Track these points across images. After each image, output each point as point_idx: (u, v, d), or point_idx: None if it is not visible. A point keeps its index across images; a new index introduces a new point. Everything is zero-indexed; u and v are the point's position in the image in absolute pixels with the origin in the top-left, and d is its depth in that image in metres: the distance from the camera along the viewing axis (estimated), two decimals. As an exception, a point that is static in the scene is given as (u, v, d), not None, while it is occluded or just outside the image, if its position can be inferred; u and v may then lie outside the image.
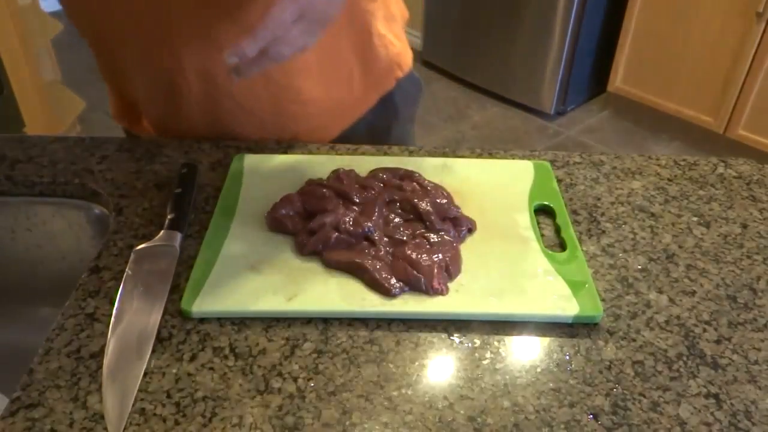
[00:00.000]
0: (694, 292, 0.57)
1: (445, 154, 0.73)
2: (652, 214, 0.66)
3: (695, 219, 0.65)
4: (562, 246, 0.60)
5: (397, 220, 0.60)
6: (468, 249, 0.59)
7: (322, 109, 0.76)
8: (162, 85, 0.73)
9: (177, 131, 0.77)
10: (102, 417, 0.45)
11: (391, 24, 0.80)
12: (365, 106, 0.80)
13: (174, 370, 0.48)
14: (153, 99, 0.75)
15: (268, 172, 0.68)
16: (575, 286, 0.55)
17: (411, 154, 0.73)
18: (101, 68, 0.79)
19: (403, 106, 0.84)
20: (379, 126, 0.84)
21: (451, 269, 0.56)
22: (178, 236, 0.59)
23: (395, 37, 0.80)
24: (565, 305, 0.53)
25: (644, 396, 0.48)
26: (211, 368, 0.49)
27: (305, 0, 0.52)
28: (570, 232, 0.61)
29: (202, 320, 0.52)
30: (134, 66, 0.73)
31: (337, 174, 0.65)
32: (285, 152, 0.73)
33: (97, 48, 0.76)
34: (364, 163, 0.69)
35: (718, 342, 0.53)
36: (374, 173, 0.66)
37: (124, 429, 0.44)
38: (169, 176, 0.68)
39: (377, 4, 0.77)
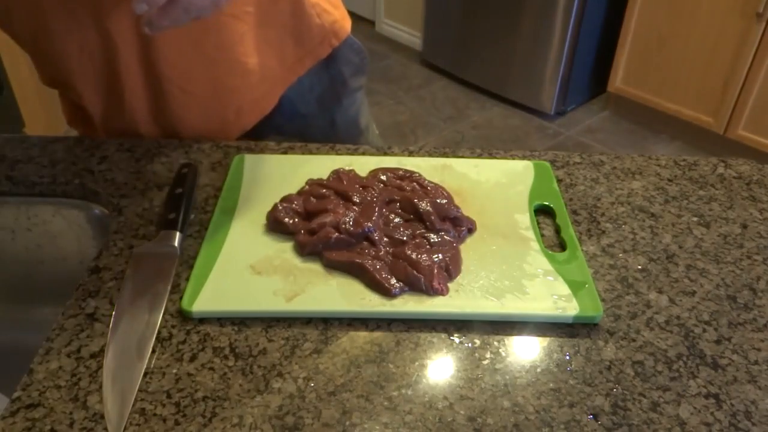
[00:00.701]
0: (694, 293, 0.57)
1: (445, 154, 0.73)
2: (652, 215, 0.66)
3: (695, 219, 0.65)
4: (562, 246, 0.60)
5: (397, 220, 0.60)
6: (468, 249, 0.59)
7: (260, 79, 0.77)
8: (103, 76, 0.72)
9: (122, 126, 0.77)
10: (102, 417, 0.45)
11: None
12: (300, 71, 0.81)
13: (174, 370, 0.48)
14: (96, 91, 0.75)
15: (268, 172, 0.68)
16: (575, 286, 0.55)
17: (411, 154, 0.74)
18: (43, 74, 0.78)
19: (349, 75, 0.85)
20: (328, 97, 0.85)
21: (451, 269, 0.56)
22: (178, 236, 0.59)
23: (330, 5, 0.81)
24: (565, 305, 0.53)
25: (644, 396, 0.48)
26: (211, 368, 0.49)
27: None
28: (570, 232, 0.61)
29: (202, 320, 0.52)
30: (73, 58, 0.71)
31: (337, 174, 0.65)
32: (285, 152, 0.73)
33: (33, 50, 0.75)
34: (364, 163, 0.69)
35: (718, 342, 0.53)
36: (374, 173, 0.66)
37: (124, 429, 0.44)
38: (169, 176, 0.68)
39: None
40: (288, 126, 0.80)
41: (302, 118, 0.84)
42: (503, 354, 0.51)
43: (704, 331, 0.53)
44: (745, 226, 0.65)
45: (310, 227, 0.58)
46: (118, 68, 0.71)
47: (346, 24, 0.83)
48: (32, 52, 0.75)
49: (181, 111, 0.76)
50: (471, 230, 0.61)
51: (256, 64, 0.76)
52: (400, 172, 0.66)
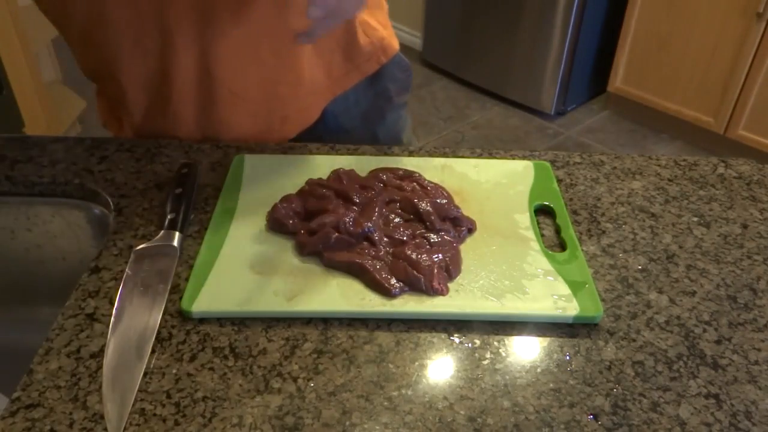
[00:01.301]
0: (694, 293, 0.57)
1: (445, 154, 0.73)
2: (653, 215, 0.66)
3: (695, 219, 0.65)
4: (562, 246, 0.60)
5: (397, 220, 0.60)
6: (468, 249, 0.59)
7: (308, 90, 0.78)
8: (153, 73, 0.72)
9: (161, 128, 0.76)
10: (102, 417, 0.45)
11: (375, 11, 0.82)
12: (346, 86, 0.81)
13: (174, 370, 0.48)
14: (143, 88, 0.74)
15: (268, 173, 0.68)
16: (575, 287, 0.55)
17: (411, 154, 0.73)
18: (86, 64, 0.78)
19: (394, 92, 0.86)
20: (372, 112, 0.86)
21: (451, 269, 0.56)
22: (178, 236, 0.59)
23: (379, 24, 0.82)
24: (565, 305, 0.53)
25: (644, 396, 0.48)
26: (211, 368, 0.49)
27: None
28: (570, 233, 0.61)
29: (202, 320, 0.52)
30: (125, 50, 0.71)
31: (337, 174, 0.65)
32: (285, 152, 0.73)
33: (82, 39, 0.74)
34: (364, 163, 0.69)
35: (718, 342, 0.53)
36: (374, 173, 0.66)
37: (124, 429, 0.44)
38: (169, 176, 0.68)
39: None
40: (329, 138, 0.80)
41: (345, 132, 0.84)
42: (503, 354, 0.51)
43: (704, 331, 0.53)
44: (745, 226, 0.65)
45: (310, 227, 0.58)
46: (171, 66, 0.71)
47: (395, 42, 0.84)
48: (81, 41, 0.74)
49: (227, 115, 0.76)
50: (471, 230, 0.61)
51: (306, 75, 0.76)
52: (400, 172, 0.66)
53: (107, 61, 0.73)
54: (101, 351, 0.49)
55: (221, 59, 0.71)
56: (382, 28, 0.83)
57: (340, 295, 0.54)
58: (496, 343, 0.51)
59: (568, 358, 0.51)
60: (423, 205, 0.60)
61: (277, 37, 0.72)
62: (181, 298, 0.53)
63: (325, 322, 0.53)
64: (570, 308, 0.53)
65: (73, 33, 0.73)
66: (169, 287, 0.54)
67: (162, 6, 0.67)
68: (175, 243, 0.58)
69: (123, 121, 0.80)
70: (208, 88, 0.73)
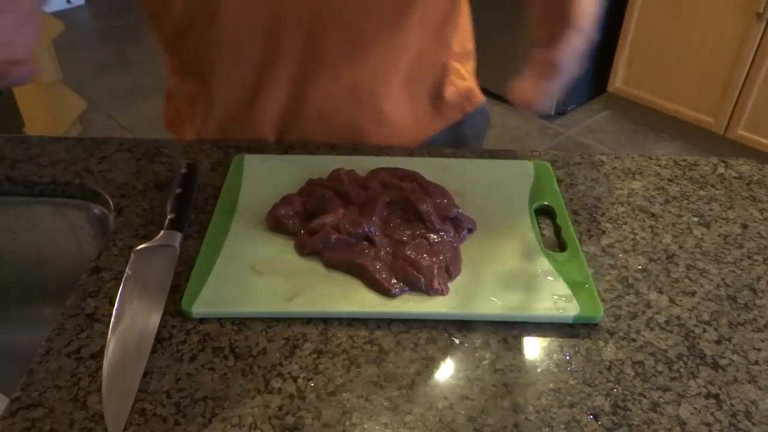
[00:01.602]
0: (694, 293, 0.57)
1: (445, 155, 0.73)
2: (653, 215, 0.66)
3: (695, 219, 0.65)
4: (562, 246, 0.60)
5: (397, 220, 0.60)
6: (468, 249, 0.59)
7: (393, 131, 0.78)
8: (247, 80, 0.72)
9: (235, 132, 0.76)
10: (102, 417, 0.45)
11: (466, 61, 0.83)
12: (431, 132, 0.82)
13: (174, 370, 0.48)
14: (232, 92, 0.74)
15: (268, 173, 0.68)
16: (575, 287, 0.55)
17: (411, 154, 0.74)
18: (179, 57, 0.77)
19: (471, 139, 0.87)
20: None
21: (451, 269, 0.56)
22: (178, 236, 0.59)
23: (468, 74, 0.83)
24: (566, 305, 0.53)
25: (644, 396, 0.48)
26: (211, 368, 0.49)
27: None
28: (570, 233, 0.61)
29: (202, 320, 0.52)
30: (224, 57, 0.71)
31: (337, 174, 0.65)
32: (285, 152, 0.73)
33: (178, 35, 0.72)
34: (364, 163, 0.69)
35: (718, 342, 0.53)
36: (374, 173, 0.66)
37: (124, 429, 0.44)
38: (169, 176, 0.68)
39: (457, 39, 0.79)
40: None
41: None
42: (503, 354, 0.51)
43: (704, 331, 0.53)
44: (745, 226, 0.65)
45: (310, 227, 0.58)
46: (267, 76, 0.71)
47: (479, 93, 0.85)
48: (176, 36, 0.73)
49: (307, 134, 0.76)
50: (471, 230, 0.61)
51: (393, 116, 0.77)
52: (400, 172, 0.66)
53: (200, 61, 0.72)
54: (101, 351, 0.49)
55: (318, 84, 0.72)
56: (470, 78, 0.84)
57: (341, 295, 0.54)
58: (496, 343, 0.51)
59: (568, 358, 0.51)
60: (423, 205, 0.60)
61: (374, 76, 0.73)
62: (181, 298, 0.53)
63: (325, 322, 0.53)
64: (570, 308, 0.53)
65: (168, 28, 0.72)
66: (169, 287, 0.54)
67: (276, 19, 0.67)
68: (175, 243, 0.58)
69: (187, 125, 0.80)
70: (297, 105, 0.73)
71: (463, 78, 0.82)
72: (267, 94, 0.73)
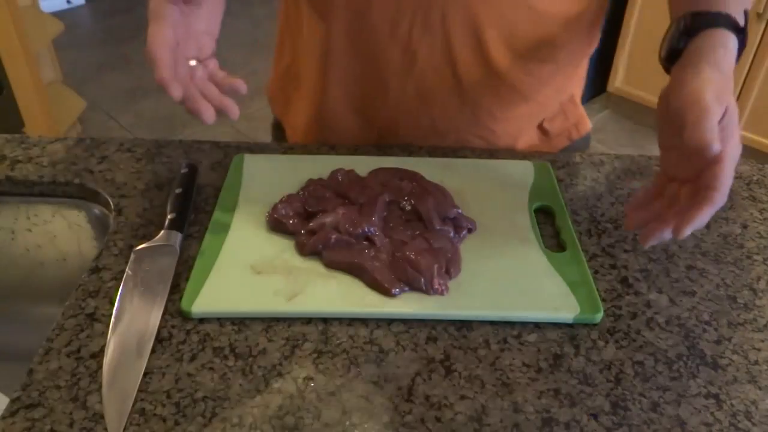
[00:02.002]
0: (694, 293, 0.57)
1: (445, 154, 0.73)
2: (652, 214, 0.66)
3: (695, 219, 0.65)
4: (562, 246, 0.60)
5: (397, 220, 0.60)
6: (468, 249, 0.59)
7: (494, 151, 0.77)
8: (370, 66, 0.71)
9: (344, 120, 0.76)
10: (102, 417, 0.45)
11: (578, 85, 0.82)
12: (537, 156, 0.81)
13: (174, 370, 0.48)
14: (350, 88, 0.74)
15: (268, 173, 0.68)
16: (575, 287, 0.55)
17: (411, 154, 0.74)
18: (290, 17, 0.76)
19: None
20: None
21: (451, 269, 0.56)
22: (178, 236, 0.59)
23: (578, 99, 0.82)
24: (565, 305, 0.53)
25: (644, 396, 0.48)
26: (211, 368, 0.49)
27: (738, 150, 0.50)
28: (570, 233, 0.61)
29: (202, 320, 0.52)
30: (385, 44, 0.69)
31: (337, 174, 0.65)
32: (285, 152, 0.73)
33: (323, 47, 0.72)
34: (364, 163, 0.69)
35: (718, 342, 0.53)
36: (374, 173, 0.66)
37: (124, 429, 0.44)
38: (169, 176, 0.68)
39: (581, 69, 0.79)
40: None
41: None
42: (503, 354, 0.51)
43: (704, 331, 0.53)
44: (745, 226, 0.65)
45: (310, 227, 0.58)
46: (385, 63, 0.70)
47: (587, 122, 0.84)
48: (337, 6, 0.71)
49: (409, 141, 0.76)
50: (471, 230, 0.61)
51: (502, 138, 0.76)
52: (401, 173, 0.66)
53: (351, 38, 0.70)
54: (101, 351, 0.49)
55: (440, 100, 0.71)
56: (580, 106, 0.82)
57: (341, 295, 0.54)
58: (496, 343, 0.51)
59: (568, 358, 0.51)
60: (423, 205, 0.60)
61: (499, 93, 0.72)
62: (181, 298, 0.53)
63: (325, 322, 0.53)
64: (570, 308, 0.53)
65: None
66: (169, 287, 0.54)
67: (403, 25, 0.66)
68: (175, 243, 0.58)
69: (296, 103, 0.80)
70: (417, 109, 0.73)
71: (576, 105, 0.81)
72: (391, 86, 0.72)
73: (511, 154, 0.74)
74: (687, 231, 0.49)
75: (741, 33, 0.53)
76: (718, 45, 0.52)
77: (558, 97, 0.77)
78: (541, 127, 0.79)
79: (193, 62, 0.60)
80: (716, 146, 0.47)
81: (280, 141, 0.88)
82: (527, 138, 0.78)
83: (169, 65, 0.55)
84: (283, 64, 0.81)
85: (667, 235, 0.50)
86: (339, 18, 0.68)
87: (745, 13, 0.56)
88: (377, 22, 0.67)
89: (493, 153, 0.74)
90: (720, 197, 0.48)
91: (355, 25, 0.68)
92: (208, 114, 0.57)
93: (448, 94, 0.71)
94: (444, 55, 0.68)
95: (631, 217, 0.54)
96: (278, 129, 0.88)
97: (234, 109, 0.59)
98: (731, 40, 0.53)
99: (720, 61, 0.51)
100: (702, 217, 0.49)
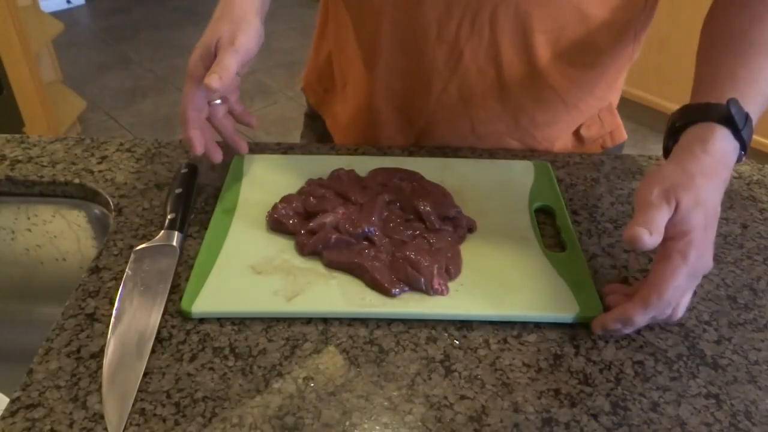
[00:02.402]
0: (694, 293, 0.57)
1: (445, 154, 0.73)
2: (652, 214, 0.66)
3: (695, 219, 0.65)
4: (562, 246, 0.60)
5: (397, 220, 0.60)
6: (468, 249, 0.59)
7: (530, 152, 0.77)
8: (414, 66, 0.71)
9: (377, 105, 0.75)
10: (102, 417, 0.45)
11: (616, 95, 0.81)
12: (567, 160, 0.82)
13: (174, 371, 0.48)
14: (394, 85, 0.73)
15: (268, 173, 0.68)
16: (575, 286, 0.55)
17: (411, 154, 0.74)
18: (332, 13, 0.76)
19: None
20: None
21: (451, 269, 0.56)
22: (178, 236, 0.59)
23: (615, 110, 0.82)
24: (565, 305, 0.53)
25: (644, 396, 0.48)
26: (211, 368, 0.49)
27: (700, 264, 0.48)
28: (570, 233, 0.61)
29: (202, 320, 0.52)
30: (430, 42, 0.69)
31: (336, 174, 0.65)
32: (285, 152, 0.73)
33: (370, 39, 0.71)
34: (363, 163, 0.69)
35: (718, 342, 0.53)
36: (374, 173, 0.66)
37: (124, 429, 0.44)
38: (169, 176, 0.68)
39: (621, 78, 0.78)
40: None
41: None
42: (503, 354, 0.51)
43: (704, 331, 0.53)
44: (745, 226, 0.65)
45: (310, 227, 0.58)
46: (431, 64, 0.70)
47: (623, 132, 0.82)
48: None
49: (446, 142, 0.76)
50: (471, 230, 0.61)
51: (539, 140, 0.76)
52: (400, 173, 0.66)
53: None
54: (101, 351, 0.49)
55: (482, 102, 0.71)
56: (617, 114, 0.82)
57: (341, 295, 0.54)
58: (496, 343, 0.51)
59: (568, 358, 0.51)
60: (423, 205, 0.60)
61: (541, 101, 0.72)
62: (181, 298, 0.53)
63: (325, 322, 0.53)
64: (570, 308, 0.53)
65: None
66: (169, 287, 0.54)
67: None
68: (175, 243, 0.58)
69: (332, 91, 0.80)
70: (458, 110, 0.73)
71: (613, 114, 0.80)
72: (432, 94, 0.72)
73: (511, 153, 0.74)
74: (609, 324, 0.49)
75: (731, 124, 0.50)
76: (696, 141, 0.50)
77: (597, 105, 0.76)
78: (576, 133, 0.78)
79: (218, 101, 0.64)
80: (645, 239, 0.45)
81: (314, 130, 0.88)
82: (562, 143, 0.78)
83: (196, 126, 0.61)
84: (323, 54, 0.81)
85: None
86: (387, 16, 0.68)
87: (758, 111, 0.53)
88: (426, 21, 0.66)
89: (492, 153, 0.74)
90: (655, 298, 0.47)
91: (403, 23, 0.68)
92: (218, 157, 0.63)
93: (490, 96, 0.71)
94: (490, 56, 0.68)
95: (606, 294, 0.54)
96: (313, 118, 0.88)
97: (244, 146, 0.69)
98: (715, 134, 0.50)
99: (688, 159, 0.50)
100: (628, 313, 0.48)
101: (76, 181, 0.68)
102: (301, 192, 0.64)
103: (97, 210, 0.68)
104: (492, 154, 0.74)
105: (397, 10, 0.67)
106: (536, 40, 0.66)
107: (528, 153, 0.75)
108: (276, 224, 0.60)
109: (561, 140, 0.78)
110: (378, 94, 0.75)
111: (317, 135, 0.88)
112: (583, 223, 0.64)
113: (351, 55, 0.76)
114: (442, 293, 0.54)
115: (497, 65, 0.68)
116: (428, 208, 0.60)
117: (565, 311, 0.53)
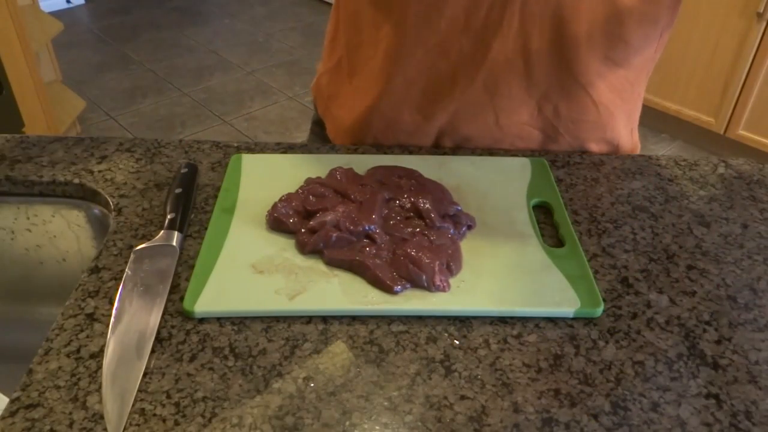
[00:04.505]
0: (694, 293, 0.57)
1: (444, 153, 0.73)
2: (653, 214, 0.66)
3: (695, 219, 0.65)
4: (561, 242, 0.60)
5: (396, 217, 0.60)
6: (468, 246, 0.59)
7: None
8: (439, 68, 0.70)
9: (399, 106, 0.75)
10: (102, 417, 0.45)
11: (638, 109, 0.82)
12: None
13: (174, 370, 0.48)
14: (416, 79, 0.72)
15: (268, 172, 0.68)
16: (575, 281, 0.55)
17: (410, 152, 0.73)
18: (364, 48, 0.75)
19: None
20: None
21: (452, 266, 0.56)
22: (178, 236, 0.59)
23: (636, 131, 0.83)
24: (566, 300, 0.53)
25: (644, 396, 0.48)
26: (211, 368, 0.49)
27: None
28: (569, 228, 0.61)
29: (202, 320, 0.52)
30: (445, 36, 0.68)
31: (335, 172, 0.65)
32: (284, 152, 0.73)
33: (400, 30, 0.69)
34: (362, 161, 0.69)
35: (718, 342, 0.53)
36: (373, 171, 0.66)
37: (124, 429, 0.44)
38: (169, 176, 0.68)
39: (643, 86, 0.79)
40: None
41: None
42: (503, 354, 0.51)
43: (704, 331, 0.53)
44: (745, 226, 0.65)
45: (310, 226, 0.58)
46: (458, 73, 0.70)
47: (638, 145, 0.84)
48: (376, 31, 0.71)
49: (474, 144, 0.76)
50: (470, 227, 0.61)
51: (569, 142, 0.76)
52: (399, 170, 0.66)
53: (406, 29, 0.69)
54: (101, 351, 0.49)
55: (507, 91, 0.71)
56: (637, 134, 0.82)
57: (342, 293, 0.54)
58: (496, 343, 0.51)
59: (568, 357, 0.51)
60: (422, 202, 0.60)
61: (576, 99, 0.72)
62: (181, 298, 0.53)
63: (325, 322, 0.53)
64: (570, 303, 0.53)
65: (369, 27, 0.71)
66: (169, 287, 0.54)
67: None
68: (175, 243, 0.58)
69: (342, 91, 0.79)
70: (483, 101, 0.72)
71: (635, 133, 0.81)
72: (457, 88, 0.71)
73: (509, 151, 0.74)
74: None
75: None
76: None
77: (624, 107, 0.76)
78: (606, 140, 0.78)
79: None
80: None
81: (321, 137, 0.87)
82: (594, 147, 0.78)
83: None
84: (335, 58, 0.81)
85: None
86: (410, 11, 0.67)
87: None
88: (452, 13, 0.66)
89: (492, 152, 0.74)
90: None
91: (427, 17, 0.67)
92: None
93: (516, 85, 0.70)
94: (518, 46, 0.67)
95: None
96: (320, 126, 0.88)
97: None
98: None
99: None
100: None
101: (76, 181, 0.68)
102: (300, 191, 0.64)
103: (96, 210, 0.68)
104: (492, 153, 0.74)
105: (422, 4, 0.66)
106: (567, 31, 0.66)
107: (528, 152, 0.75)
108: (276, 223, 0.60)
109: (589, 144, 0.77)
110: (395, 94, 0.74)
111: (323, 143, 0.87)
112: (583, 223, 0.64)
113: (368, 54, 0.74)
114: (443, 290, 0.54)
115: (525, 54, 0.68)
116: (428, 206, 0.60)
117: (566, 306, 0.53)
